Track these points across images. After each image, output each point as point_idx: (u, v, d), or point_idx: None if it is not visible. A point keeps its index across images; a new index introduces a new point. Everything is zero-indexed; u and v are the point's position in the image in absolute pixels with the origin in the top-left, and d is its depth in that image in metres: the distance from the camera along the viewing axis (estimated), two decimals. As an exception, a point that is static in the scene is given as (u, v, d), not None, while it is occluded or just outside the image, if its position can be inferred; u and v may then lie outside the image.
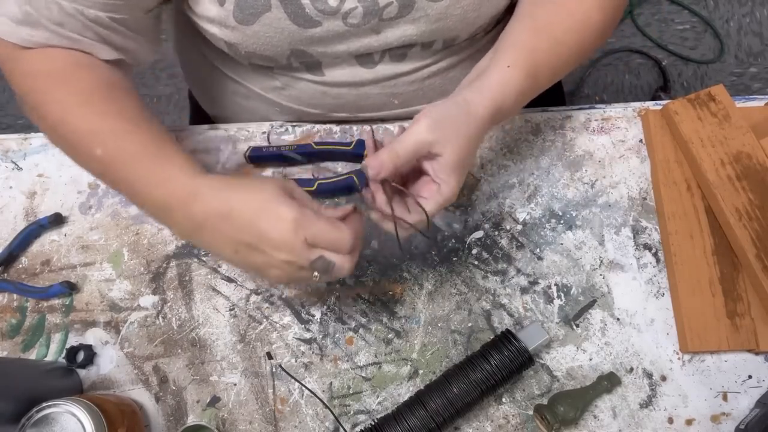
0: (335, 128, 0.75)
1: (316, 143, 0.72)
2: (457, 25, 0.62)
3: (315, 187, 0.69)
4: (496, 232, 0.70)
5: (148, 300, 0.68)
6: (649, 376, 0.65)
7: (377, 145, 0.54)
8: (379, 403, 0.64)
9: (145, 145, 0.55)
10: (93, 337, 0.66)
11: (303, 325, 0.66)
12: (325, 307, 0.67)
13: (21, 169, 0.73)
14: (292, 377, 0.64)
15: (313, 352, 0.66)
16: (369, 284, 0.68)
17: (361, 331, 0.66)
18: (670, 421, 0.63)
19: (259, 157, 0.72)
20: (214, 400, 0.64)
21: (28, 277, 0.69)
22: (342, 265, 0.52)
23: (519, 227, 0.70)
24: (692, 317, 0.65)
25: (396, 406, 0.60)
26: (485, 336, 0.66)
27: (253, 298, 0.67)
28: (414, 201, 0.53)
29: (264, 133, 0.75)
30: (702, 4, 1.78)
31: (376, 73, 0.67)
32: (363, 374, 0.65)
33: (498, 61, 0.56)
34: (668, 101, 0.73)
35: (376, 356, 0.65)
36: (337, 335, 0.66)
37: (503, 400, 0.64)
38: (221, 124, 0.76)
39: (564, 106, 0.77)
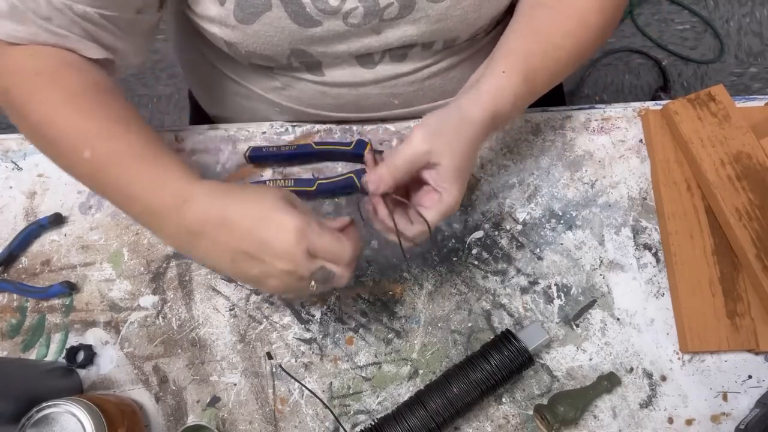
0: (335, 128, 0.75)
1: (316, 143, 0.72)
2: (457, 26, 0.62)
3: (315, 187, 0.69)
4: (496, 232, 0.70)
5: (148, 300, 0.68)
6: (649, 376, 0.65)
7: (376, 160, 0.54)
8: (379, 403, 0.64)
9: (137, 147, 0.53)
10: (93, 337, 0.66)
11: (303, 325, 0.66)
12: (325, 307, 0.67)
13: (21, 169, 0.73)
14: (292, 377, 0.64)
15: (313, 352, 0.66)
16: (369, 284, 0.68)
17: (361, 331, 0.66)
18: (670, 421, 0.63)
19: (259, 157, 0.72)
20: (214, 400, 0.64)
21: (28, 277, 0.69)
22: (341, 276, 0.51)
23: (519, 227, 0.70)
24: (692, 317, 0.65)
25: (396, 406, 0.60)
26: (485, 336, 0.66)
27: (253, 298, 0.67)
28: (415, 211, 0.53)
29: (264, 133, 0.75)
30: (702, 4, 1.78)
31: (377, 74, 0.67)
32: (363, 374, 0.65)
33: (493, 67, 0.57)
34: (668, 101, 0.73)
35: (376, 356, 0.65)
36: (337, 335, 0.66)
37: (503, 400, 0.64)
38: (221, 124, 0.76)
39: (564, 106, 0.77)
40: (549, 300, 0.67)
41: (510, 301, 0.67)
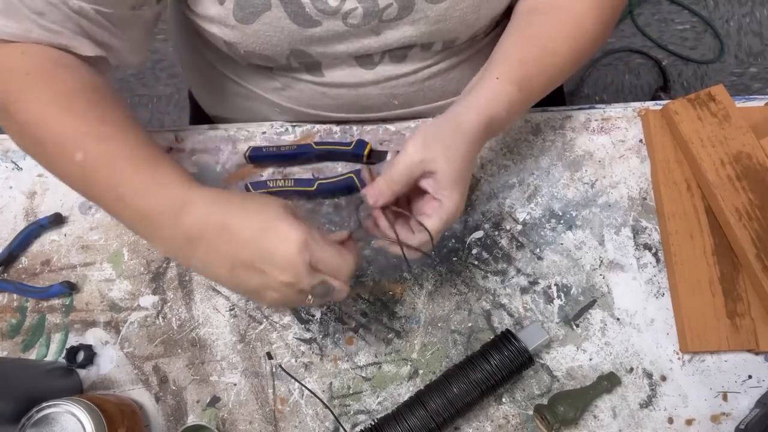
0: (335, 128, 0.75)
1: (316, 143, 0.72)
2: (456, 27, 0.62)
3: (315, 187, 0.69)
4: (496, 232, 0.70)
5: (148, 300, 0.68)
6: (649, 376, 0.65)
7: (373, 175, 0.54)
8: (379, 403, 0.64)
9: (133, 150, 0.51)
10: (93, 337, 0.66)
11: (303, 325, 0.66)
12: (325, 307, 0.67)
13: (21, 169, 0.73)
14: (292, 377, 0.64)
15: (313, 352, 0.66)
16: (369, 284, 0.68)
17: (361, 331, 0.66)
18: (670, 421, 0.63)
19: (259, 157, 0.72)
20: (214, 400, 0.64)
21: (28, 277, 0.69)
22: (340, 290, 0.51)
23: (519, 227, 0.70)
24: (692, 317, 0.65)
25: (396, 406, 0.60)
26: (485, 336, 0.66)
27: (253, 298, 0.67)
28: (416, 221, 0.53)
29: (264, 133, 0.75)
30: (702, 4, 1.78)
31: (376, 74, 0.67)
32: (363, 374, 0.65)
33: (488, 74, 0.57)
34: (668, 101, 0.73)
35: (376, 356, 0.65)
36: (337, 335, 0.66)
37: (503, 400, 0.64)
38: (221, 124, 0.76)
39: (564, 106, 0.77)
40: (549, 300, 0.67)
41: (510, 301, 0.67)
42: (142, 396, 0.64)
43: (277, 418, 0.63)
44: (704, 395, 0.64)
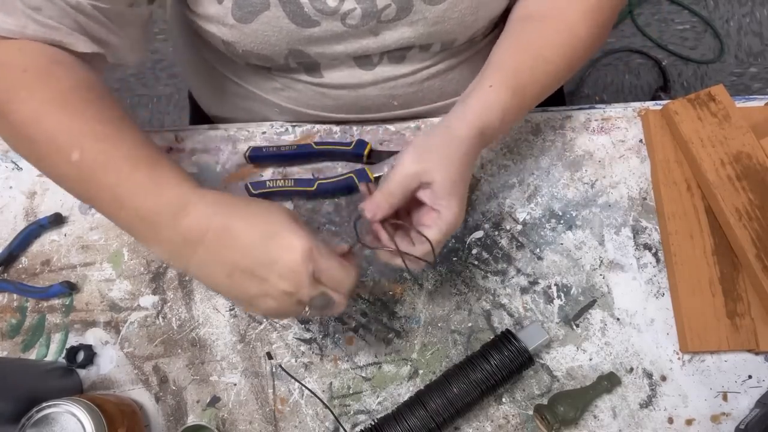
0: (335, 128, 0.75)
1: (316, 143, 0.72)
2: (455, 28, 0.62)
3: (315, 187, 0.69)
4: (496, 232, 0.70)
5: (148, 300, 0.68)
6: (649, 376, 0.65)
7: (370, 189, 0.54)
8: (379, 403, 0.64)
9: (130, 150, 0.50)
10: (93, 337, 0.66)
11: (303, 325, 0.66)
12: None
13: (21, 169, 0.73)
14: (292, 377, 0.64)
15: (313, 352, 0.66)
16: (369, 284, 0.68)
17: (361, 331, 0.66)
18: (670, 421, 0.63)
19: (259, 157, 0.72)
20: (214, 400, 0.64)
21: (28, 277, 0.69)
22: (339, 304, 0.50)
23: (519, 227, 0.70)
24: (692, 317, 0.65)
25: (396, 406, 0.60)
26: (485, 336, 0.66)
27: (253, 298, 0.67)
28: (416, 231, 0.53)
29: (264, 133, 0.75)
30: (702, 4, 1.78)
31: (375, 75, 0.67)
32: (363, 374, 0.65)
33: (481, 82, 0.57)
34: (668, 101, 0.73)
35: (376, 356, 0.65)
36: (337, 335, 0.66)
37: (503, 400, 0.64)
38: (221, 124, 0.76)
39: (564, 106, 0.77)
40: (549, 300, 0.67)
41: (510, 301, 0.67)
42: (142, 396, 0.64)
43: (277, 418, 0.63)
44: (704, 395, 0.64)
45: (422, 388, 0.61)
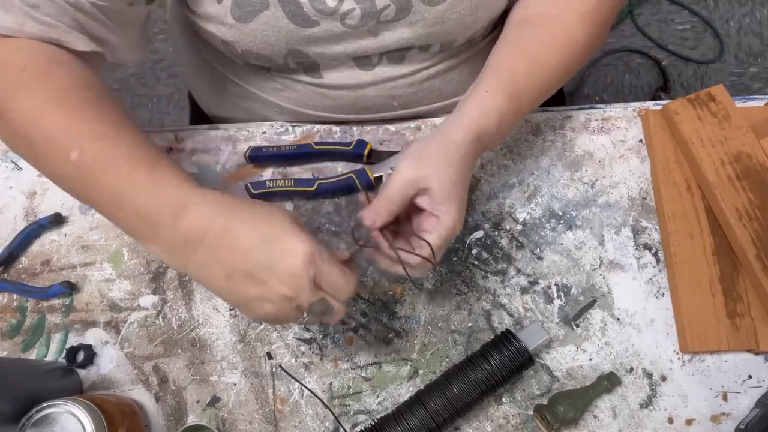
0: (335, 128, 0.75)
1: (316, 143, 0.72)
2: (454, 29, 0.62)
3: (315, 187, 0.69)
4: (496, 232, 0.70)
5: (148, 300, 0.68)
6: (649, 376, 0.65)
7: (369, 198, 0.54)
8: (379, 403, 0.64)
9: (130, 149, 0.49)
10: (93, 337, 0.66)
11: (303, 325, 0.66)
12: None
13: (21, 169, 0.73)
14: (292, 377, 0.64)
15: (313, 352, 0.66)
16: (369, 284, 0.68)
17: (361, 331, 0.66)
18: (670, 421, 0.63)
19: (259, 157, 0.72)
20: (214, 400, 0.64)
21: (28, 277, 0.69)
22: (338, 312, 0.50)
23: (519, 227, 0.70)
24: (692, 317, 0.65)
25: (396, 406, 0.60)
26: (485, 336, 0.66)
27: (253, 298, 0.67)
28: (416, 237, 0.53)
29: (264, 133, 0.75)
30: (702, 4, 1.78)
31: (375, 76, 0.67)
32: (363, 374, 0.65)
33: (478, 87, 0.57)
34: (668, 101, 0.73)
35: (376, 356, 0.65)
36: (337, 335, 0.66)
37: (503, 400, 0.64)
38: (221, 124, 0.76)
39: (564, 106, 0.77)
40: (549, 300, 0.67)
41: (510, 301, 0.67)
42: (142, 396, 0.64)
43: (277, 418, 0.63)
44: (704, 395, 0.64)
45: (422, 388, 0.61)
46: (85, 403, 0.55)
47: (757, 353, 0.65)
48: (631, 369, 0.65)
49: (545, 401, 0.62)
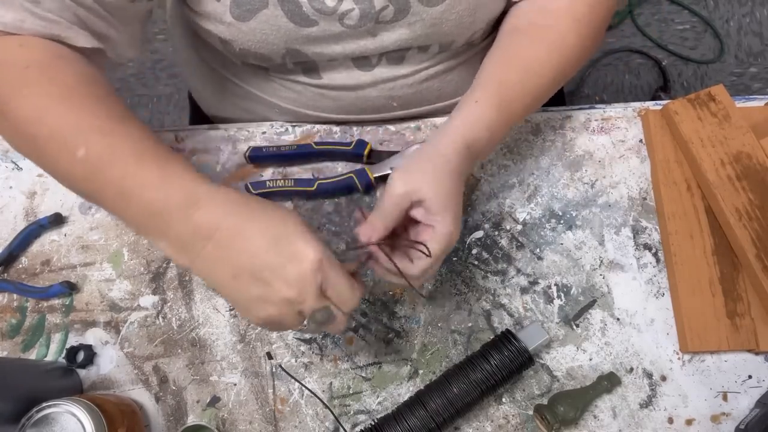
0: (335, 128, 0.75)
1: (316, 143, 0.72)
2: (452, 30, 0.62)
3: (315, 187, 0.69)
4: (496, 232, 0.70)
5: (148, 300, 0.68)
6: (649, 376, 0.65)
7: (365, 214, 0.55)
8: (379, 403, 0.64)
9: (138, 144, 0.49)
10: (93, 337, 0.66)
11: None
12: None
13: (21, 169, 0.73)
14: (292, 377, 0.64)
15: (313, 352, 0.66)
16: (369, 284, 0.68)
17: (361, 331, 0.66)
18: (670, 421, 0.63)
19: (259, 157, 0.72)
20: (214, 400, 0.64)
21: (28, 277, 0.69)
22: (340, 323, 0.50)
23: (519, 227, 0.70)
24: (692, 317, 0.65)
25: (396, 406, 0.60)
26: (485, 336, 0.66)
27: (253, 298, 0.67)
28: (413, 247, 0.53)
29: (264, 133, 0.75)
30: (702, 4, 1.78)
31: (374, 76, 0.67)
32: (363, 374, 0.65)
33: (468, 98, 0.58)
34: (668, 101, 0.73)
35: (376, 356, 0.65)
36: (337, 335, 0.66)
37: (503, 400, 0.64)
38: (221, 124, 0.76)
39: (564, 106, 0.77)
40: (549, 300, 0.67)
41: (510, 301, 0.67)
42: (142, 396, 0.64)
43: (277, 418, 0.63)
44: (704, 395, 0.64)
45: (422, 388, 0.61)
46: (85, 403, 0.55)
47: (757, 353, 0.65)
48: (631, 369, 0.65)
49: (545, 401, 0.62)
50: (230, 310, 0.67)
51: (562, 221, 0.70)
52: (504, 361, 0.59)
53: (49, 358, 0.66)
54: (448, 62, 0.69)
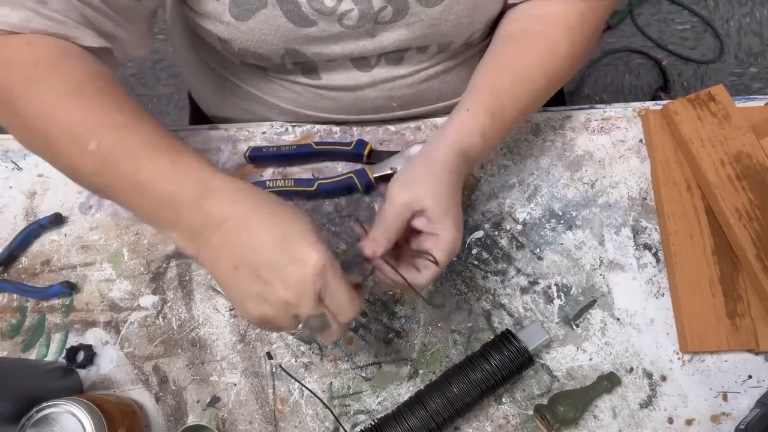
0: (335, 128, 0.75)
1: (316, 143, 0.72)
2: (451, 31, 0.62)
3: (315, 187, 0.69)
4: (496, 232, 0.70)
5: (148, 300, 0.68)
6: (649, 376, 0.65)
7: (365, 229, 0.55)
8: (379, 403, 0.64)
9: (150, 137, 0.49)
10: (93, 337, 0.66)
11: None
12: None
13: (21, 169, 0.73)
14: (292, 377, 0.64)
15: (313, 352, 0.66)
16: (369, 284, 0.68)
17: (361, 331, 0.66)
18: (670, 421, 0.63)
19: (259, 157, 0.72)
20: (214, 400, 0.64)
21: (28, 277, 0.69)
22: (335, 332, 0.49)
23: (519, 227, 0.70)
24: (692, 317, 0.65)
25: (396, 406, 0.60)
26: (485, 336, 0.66)
27: (253, 298, 0.67)
28: (421, 257, 0.53)
29: (264, 133, 0.75)
30: (702, 4, 1.78)
31: (373, 77, 0.67)
32: (363, 374, 0.65)
33: (461, 106, 0.58)
34: (668, 101, 0.73)
35: (376, 356, 0.65)
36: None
37: (503, 400, 0.64)
38: (221, 124, 0.76)
39: (564, 106, 0.77)
40: (549, 300, 0.67)
41: (510, 301, 0.67)
42: (142, 396, 0.64)
43: (277, 418, 0.63)
44: (704, 395, 0.64)
45: (422, 388, 0.61)
46: (85, 403, 0.55)
47: (757, 353, 0.65)
48: (631, 369, 0.65)
49: (545, 401, 0.62)
50: (230, 310, 0.67)
51: (562, 221, 0.70)
52: (504, 361, 0.59)
53: (49, 358, 0.66)
54: (447, 62, 0.69)
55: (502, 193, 0.72)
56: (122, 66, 0.59)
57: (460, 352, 0.65)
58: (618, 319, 0.67)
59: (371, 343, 0.66)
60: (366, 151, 0.71)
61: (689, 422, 0.63)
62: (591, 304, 0.67)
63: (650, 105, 0.76)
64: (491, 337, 0.62)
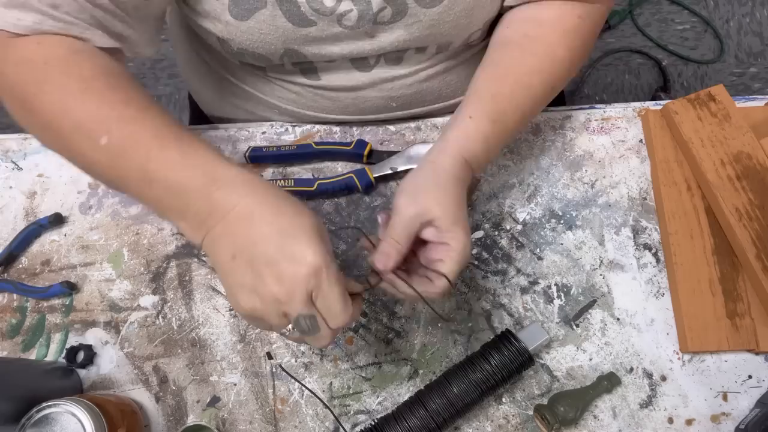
0: (335, 128, 0.75)
1: (316, 143, 0.72)
2: (450, 31, 0.62)
3: (315, 187, 0.69)
4: (496, 232, 0.70)
5: (148, 300, 0.68)
6: (649, 376, 0.65)
7: (374, 242, 0.54)
8: (379, 403, 0.64)
9: (159, 129, 0.49)
10: (93, 337, 0.66)
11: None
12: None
13: (21, 169, 0.73)
14: (292, 377, 0.64)
15: (313, 352, 0.66)
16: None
17: (361, 331, 0.66)
18: (670, 421, 0.63)
19: (259, 157, 0.72)
20: (214, 400, 0.64)
21: (28, 277, 0.69)
22: (324, 337, 0.48)
23: (519, 227, 0.70)
24: (692, 317, 0.65)
25: (396, 406, 0.60)
26: (485, 336, 0.66)
27: (253, 298, 0.67)
28: (435, 271, 0.52)
29: (264, 133, 0.75)
30: (702, 4, 1.78)
31: (373, 77, 0.67)
32: (363, 374, 0.65)
33: (461, 113, 0.58)
34: (668, 101, 0.73)
35: (376, 356, 0.65)
36: (336, 335, 0.66)
37: (503, 400, 0.64)
38: (221, 124, 0.76)
39: (564, 106, 0.77)
40: (549, 300, 0.67)
41: (510, 301, 0.67)
42: (142, 396, 0.64)
43: (277, 418, 0.63)
44: (704, 395, 0.64)
45: (422, 388, 0.61)
46: (85, 403, 0.55)
47: (757, 353, 0.65)
48: (631, 369, 0.65)
49: (545, 401, 0.62)
50: (230, 310, 0.67)
51: (562, 221, 0.70)
52: (504, 361, 0.59)
53: (49, 358, 0.66)
54: (446, 63, 0.69)
55: (502, 193, 0.72)
56: (126, 63, 0.59)
57: (460, 352, 0.65)
58: (618, 319, 0.67)
59: (371, 343, 0.66)
60: (366, 151, 0.71)
61: (689, 422, 0.63)
62: (591, 304, 0.67)
63: (650, 105, 0.76)
64: (491, 337, 0.62)
